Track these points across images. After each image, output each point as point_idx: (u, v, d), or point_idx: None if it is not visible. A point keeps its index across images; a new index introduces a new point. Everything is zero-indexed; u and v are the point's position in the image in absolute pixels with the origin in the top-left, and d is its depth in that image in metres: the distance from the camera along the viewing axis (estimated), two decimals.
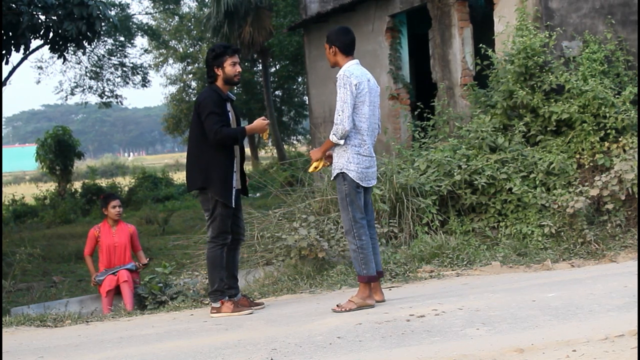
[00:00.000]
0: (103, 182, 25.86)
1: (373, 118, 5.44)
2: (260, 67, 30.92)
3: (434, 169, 8.09)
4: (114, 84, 27.05)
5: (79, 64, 25.80)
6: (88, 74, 26.46)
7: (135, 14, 34.66)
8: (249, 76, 31.23)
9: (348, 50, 5.45)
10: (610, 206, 7.51)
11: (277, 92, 33.66)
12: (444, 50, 10.59)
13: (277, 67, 30.57)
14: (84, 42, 12.40)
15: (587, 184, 7.73)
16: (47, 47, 13.07)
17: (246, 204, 10.67)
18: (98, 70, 26.40)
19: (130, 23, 27.30)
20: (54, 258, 12.95)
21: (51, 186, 24.57)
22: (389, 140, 9.73)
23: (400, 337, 4.36)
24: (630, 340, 3.79)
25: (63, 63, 21.38)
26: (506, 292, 5.55)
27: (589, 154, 7.98)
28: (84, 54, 22.71)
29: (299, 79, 31.16)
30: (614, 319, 4.35)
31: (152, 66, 34.98)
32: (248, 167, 32.06)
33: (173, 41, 35.29)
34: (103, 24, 13.07)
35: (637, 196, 7.52)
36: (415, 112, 10.49)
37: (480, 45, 8.95)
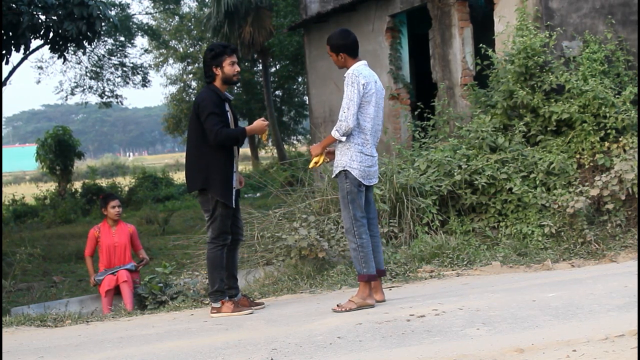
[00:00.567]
0: (103, 182, 25.87)
1: (377, 119, 5.48)
2: (261, 67, 30.93)
3: (434, 169, 8.09)
4: (114, 84, 27.06)
5: (79, 64, 25.81)
6: (88, 74, 26.46)
7: (135, 14, 34.66)
8: (249, 76, 31.24)
9: (355, 52, 5.50)
10: (610, 206, 7.51)
11: (277, 92, 33.66)
12: (444, 50, 10.59)
13: (277, 67, 30.56)
14: (84, 42, 12.39)
15: (587, 184, 7.73)
16: (47, 47, 13.06)
17: (246, 204, 10.70)
18: (98, 70, 26.39)
19: (131, 23, 27.29)
20: (54, 258, 12.96)
21: (51, 186, 24.58)
22: (389, 140, 9.73)
23: (401, 337, 4.36)
24: (630, 340, 3.79)
25: (63, 63, 21.37)
26: (506, 292, 5.55)
27: (589, 154, 7.98)
28: (84, 54, 22.71)
29: (299, 79, 31.14)
30: (614, 319, 4.35)
31: (152, 66, 35.01)
32: (248, 167, 32.09)
33: (173, 41, 35.29)
34: (103, 24, 13.07)
35: (637, 196, 7.53)
36: (416, 112, 10.49)
37: (481, 45, 8.95)
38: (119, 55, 26.80)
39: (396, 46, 11.89)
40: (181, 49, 35.51)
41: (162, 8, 32.17)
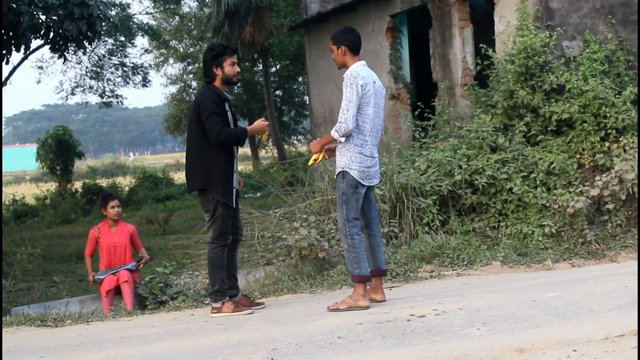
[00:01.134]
0: (103, 182, 25.87)
1: (377, 119, 5.47)
2: (261, 67, 30.93)
3: (434, 169, 8.09)
4: (114, 84, 27.06)
5: (79, 63, 25.81)
6: (88, 74, 26.46)
7: (135, 14, 34.65)
8: (249, 76, 31.24)
9: (356, 49, 5.49)
10: (610, 206, 7.51)
11: (277, 92, 33.67)
12: (444, 50, 10.59)
13: (278, 67, 30.56)
14: (85, 42, 12.39)
15: (587, 183, 7.73)
16: (47, 47, 13.06)
17: (246, 204, 10.70)
18: (98, 70, 26.39)
19: (131, 23, 27.29)
20: (54, 258, 12.96)
21: (51, 186, 24.58)
22: (390, 140, 9.72)
23: (401, 337, 4.36)
24: (630, 340, 3.79)
25: (63, 63, 21.34)
26: (506, 292, 5.55)
27: (590, 153, 7.98)
28: (84, 53, 22.70)
29: (300, 79, 31.15)
30: (614, 319, 4.35)
31: (153, 66, 35.03)
32: (249, 167, 32.10)
33: (173, 41, 35.29)
34: (103, 23, 13.07)
35: (637, 196, 7.52)
36: (416, 112, 10.49)
37: (481, 45, 8.95)
38: (119, 55, 26.80)
39: (396, 46, 11.89)
40: (181, 49, 35.52)
41: (162, 8, 32.17)
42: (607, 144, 7.98)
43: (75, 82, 27.03)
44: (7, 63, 12.81)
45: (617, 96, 8.14)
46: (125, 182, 26.24)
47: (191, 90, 35.61)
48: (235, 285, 5.80)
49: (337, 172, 5.43)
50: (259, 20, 26.00)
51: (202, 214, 5.82)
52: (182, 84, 36.53)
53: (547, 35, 8.38)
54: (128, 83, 27.25)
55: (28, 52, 15.74)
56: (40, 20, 11.76)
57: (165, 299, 6.67)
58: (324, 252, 6.90)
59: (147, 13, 34.63)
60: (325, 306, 5.48)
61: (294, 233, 7.10)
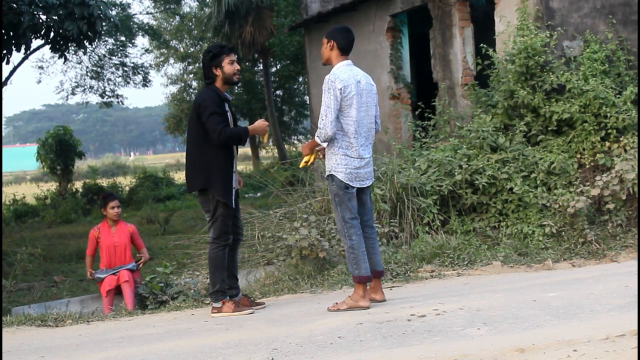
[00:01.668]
0: (104, 182, 25.87)
1: (367, 119, 5.39)
2: (261, 67, 30.93)
3: (434, 169, 8.09)
4: (114, 84, 27.08)
5: (79, 63, 25.83)
6: (89, 74, 26.48)
7: (136, 14, 34.71)
8: (249, 76, 31.24)
9: (345, 50, 5.43)
10: (611, 206, 7.51)
11: (277, 92, 33.68)
12: (444, 50, 10.59)
13: (278, 67, 30.58)
14: (85, 41, 12.39)
15: (588, 183, 7.73)
16: (48, 46, 13.05)
17: (247, 204, 10.70)
18: (99, 70, 26.41)
19: (131, 23, 27.32)
20: (54, 258, 12.96)
21: (52, 186, 24.58)
22: (390, 140, 9.73)
23: (401, 336, 4.36)
24: (631, 340, 3.79)
25: (64, 63, 21.32)
26: (507, 291, 5.55)
27: (590, 153, 7.98)
28: (84, 53, 22.69)
29: (300, 79, 31.18)
30: (614, 319, 4.35)
31: (153, 66, 35.05)
32: (249, 166, 32.10)
33: (174, 41, 35.31)
34: (104, 23, 13.06)
35: (637, 196, 7.52)
36: (416, 112, 10.49)
37: (481, 45, 8.95)
38: (119, 55, 26.81)
39: (397, 46, 11.89)
40: (182, 49, 35.53)
41: (162, 8, 32.18)
42: (607, 143, 7.98)
43: (75, 82, 27.07)
44: (7, 63, 12.80)
45: (617, 96, 8.14)
46: (126, 182, 26.24)
47: (191, 90, 35.62)
48: (236, 285, 5.80)
49: (326, 175, 5.43)
50: (260, 20, 26.01)
51: (203, 214, 5.82)
52: (183, 84, 36.55)
53: (548, 35, 8.38)
54: (128, 83, 27.28)
55: (28, 52, 15.74)
56: (40, 20, 11.76)
57: (165, 298, 6.67)
58: (324, 252, 6.90)
59: (147, 13, 34.67)
60: (325, 306, 5.48)
61: (295, 233, 7.11)
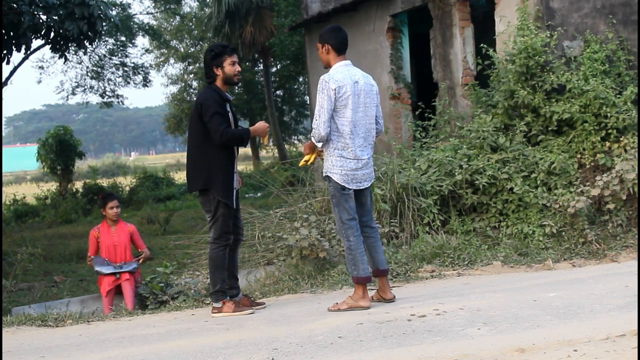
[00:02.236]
0: (104, 182, 25.87)
1: (365, 119, 5.34)
2: (262, 67, 30.94)
3: (435, 169, 8.09)
4: (115, 84, 27.08)
5: (80, 63, 25.83)
6: (89, 74, 26.48)
7: (136, 14, 34.70)
8: (250, 76, 31.24)
9: (340, 49, 5.40)
10: (611, 206, 7.51)
11: (278, 92, 33.68)
12: (445, 50, 10.59)
13: (278, 67, 30.58)
14: (85, 41, 12.39)
15: (588, 183, 7.72)
16: (48, 46, 13.06)
17: (247, 204, 10.70)
18: (99, 70, 26.41)
19: (132, 23, 27.31)
20: (55, 258, 12.96)
21: (52, 186, 24.58)
22: (390, 140, 9.73)
23: (402, 336, 4.36)
24: (631, 340, 3.79)
25: (64, 63, 21.32)
26: (507, 291, 5.55)
27: (590, 153, 7.98)
28: (85, 53, 22.69)
29: (300, 79, 31.17)
30: (615, 319, 4.35)
31: (153, 66, 35.05)
32: (249, 166, 32.10)
33: (174, 41, 35.30)
34: (104, 23, 13.07)
35: (637, 196, 7.52)
36: (417, 112, 10.49)
37: (482, 45, 8.95)
38: (120, 55, 26.82)
39: (397, 46, 11.89)
40: (182, 49, 35.53)
41: (163, 8, 32.17)
42: (607, 143, 7.98)
43: (76, 82, 27.08)
44: (7, 63, 12.80)
45: (617, 96, 8.14)
46: (126, 182, 26.24)
47: (192, 90, 35.63)
48: (236, 285, 5.80)
49: (323, 176, 5.44)
50: (260, 20, 26.02)
51: (203, 214, 5.82)
52: (183, 84, 36.56)
53: (548, 35, 8.38)
54: (129, 83, 27.28)
55: (29, 52, 15.73)
56: (41, 20, 11.76)
57: (166, 298, 6.67)
58: (324, 252, 6.90)
59: (147, 13, 34.68)
60: (325, 306, 5.48)
61: (295, 233, 7.11)
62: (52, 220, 19.47)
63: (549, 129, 8.24)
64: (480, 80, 9.48)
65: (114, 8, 23.34)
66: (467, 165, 7.93)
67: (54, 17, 11.70)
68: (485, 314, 4.76)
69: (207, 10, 30.58)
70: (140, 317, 5.98)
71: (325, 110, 5.21)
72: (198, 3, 34.20)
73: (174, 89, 37.34)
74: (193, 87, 35.91)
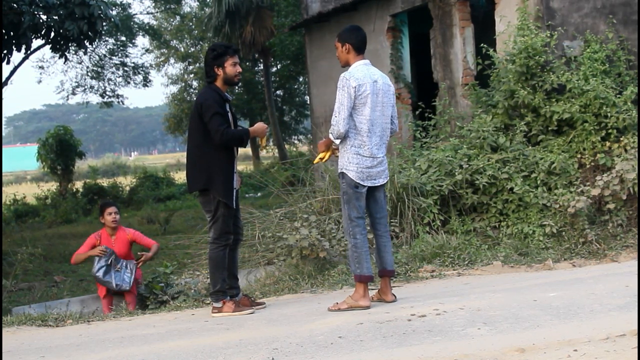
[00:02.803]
0: (104, 182, 25.88)
1: (382, 118, 5.40)
2: (262, 67, 30.95)
3: (435, 169, 8.09)
4: (115, 84, 27.12)
5: (80, 63, 25.85)
6: (89, 74, 26.50)
7: (136, 14, 34.71)
8: (250, 76, 31.25)
9: (360, 48, 5.50)
10: (611, 206, 7.51)
11: (278, 92, 33.69)
12: (445, 49, 10.59)
13: (279, 67, 30.60)
14: (85, 41, 12.40)
15: (588, 183, 7.72)
16: (48, 46, 13.08)
17: (247, 204, 10.70)
18: (99, 70, 26.43)
19: (132, 23, 27.33)
20: (55, 258, 12.96)
21: (52, 186, 24.60)
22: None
23: (402, 336, 4.36)
24: (631, 340, 3.79)
25: (64, 63, 21.32)
26: (507, 291, 5.55)
27: (590, 153, 7.98)
28: (85, 53, 22.71)
29: (300, 79, 31.19)
30: (615, 319, 4.35)
31: (154, 66, 35.08)
32: (249, 166, 32.10)
33: (174, 41, 35.33)
34: (104, 23, 13.09)
35: (638, 196, 7.52)
36: (417, 112, 10.49)
37: (482, 44, 8.95)
38: (120, 55, 26.85)
39: (397, 46, 11.89)
40: (182, 49, 35.56)
41: (163, 8, 32.19)
42: (607, 143, 7.98)
43: (76, 82, 27.11)
44: (7, 63, 12.81)
45: (617, 96, 8.14)
46: (126, 182, 26.25)
47: (192, 90, 35.65)
48: (236, 285, 5.80)
49: (338, 172, 5.45)
50: (260, 20, 26.03)
51: (203, 214, 5.82)
52: (183, 84, 36.58)
53: (548, 35, 8.38)
54: (129, 83, 27.31)
55: (29, 51, 15.74)
56: (41, 20, 11.77)
57: (166, 298, 6.67)
58: (324, 252, 6.90)
59: (147, 13, 34.70)
60: (326, 306, 5.48)
61: (295, 233, 7.11)
62: (52, 220, 19.48)
63: (549, 128, 8.24)
64: (481, 80, 9.48)
65: (114, 8, 23.34)
66: (467, 165, 7.93)
67: (54, 17, 11.71)
68: (485, 313, 4.76)
69: (207, 10, 30.60)
70: (140, 317, 5.98)
71: (345, 107, 5.24)
72: (198, 3, 34.23)
73: (174, 88, 37.44)
74: (193, 87, 35.94)
